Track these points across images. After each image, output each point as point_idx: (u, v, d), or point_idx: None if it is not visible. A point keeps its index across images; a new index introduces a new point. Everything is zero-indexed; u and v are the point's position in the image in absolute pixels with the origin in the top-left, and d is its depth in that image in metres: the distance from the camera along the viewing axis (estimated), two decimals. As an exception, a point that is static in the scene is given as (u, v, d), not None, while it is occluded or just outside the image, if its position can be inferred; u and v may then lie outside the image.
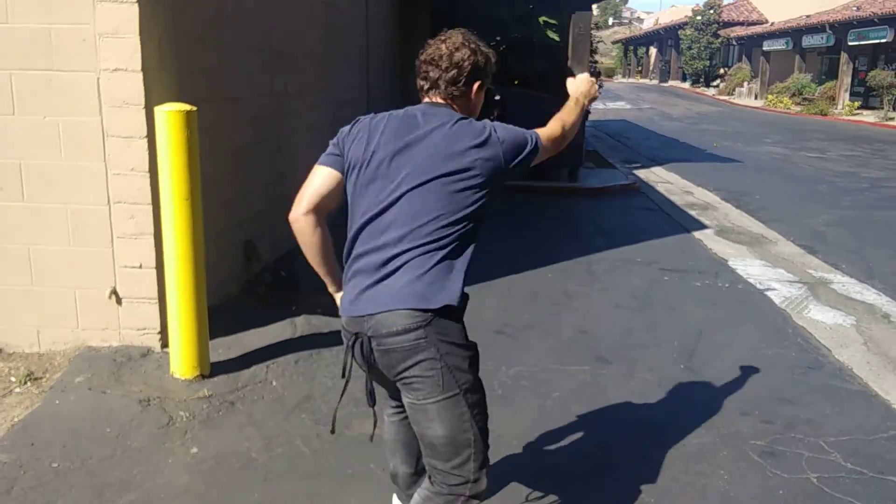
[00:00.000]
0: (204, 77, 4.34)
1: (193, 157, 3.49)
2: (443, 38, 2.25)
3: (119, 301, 3.92)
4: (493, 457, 3.21)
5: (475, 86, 2.26)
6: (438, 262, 2.07)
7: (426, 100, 2.26)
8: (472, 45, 2.23)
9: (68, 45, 3.65)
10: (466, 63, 2.20)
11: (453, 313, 2.10)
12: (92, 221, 3.83)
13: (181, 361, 3.70)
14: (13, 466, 2.99)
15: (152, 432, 3.29)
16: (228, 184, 4.66)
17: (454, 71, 2.20)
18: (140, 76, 3.65)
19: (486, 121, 2.23)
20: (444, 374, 2.08)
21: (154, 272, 3.86)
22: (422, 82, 2.25)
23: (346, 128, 2.29)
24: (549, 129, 2.36)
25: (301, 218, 2.22)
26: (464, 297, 2.12)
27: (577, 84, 2.55)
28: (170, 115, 3.43)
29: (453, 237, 2.09)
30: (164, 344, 3.92)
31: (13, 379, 3.74)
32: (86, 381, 3.63)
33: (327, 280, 2.37)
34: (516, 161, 2.20)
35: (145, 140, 3.71)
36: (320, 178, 2.23)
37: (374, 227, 2.12)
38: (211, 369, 3.79)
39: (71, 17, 3.62)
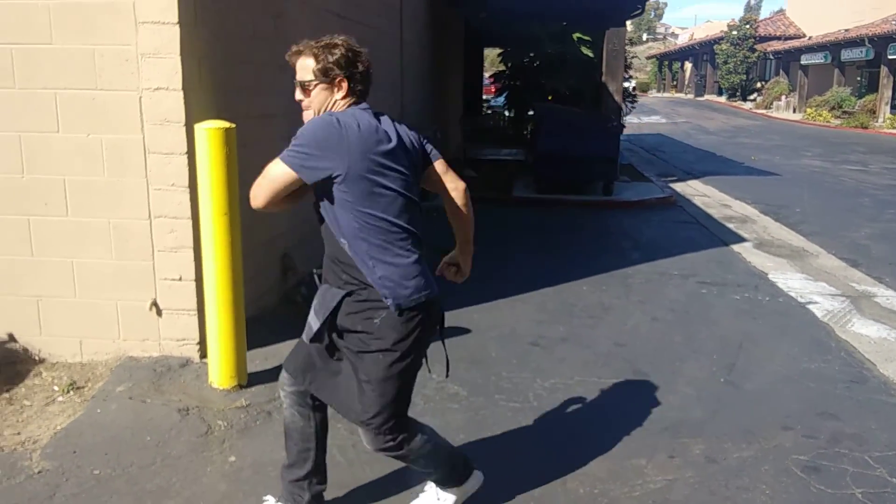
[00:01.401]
0: (241, 95, 4.43)
1: (232, 173, 3.56)
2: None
3: (159, 312, 4.00)
4: (528, 466, 3.21)
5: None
6: None
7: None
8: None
9: (111, 66, 3.76)
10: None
11: None
12: (133, 235, 3.92)
13: (219, 371, 3.76)
14: (56, 473, 3.06)
15: (191, 441, 3.33)
16: (266, 198, 4.71)
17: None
18: (181, 95, 3.75)
19: None
20: None
21: (193, 284, 3.93)
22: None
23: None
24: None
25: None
26: None
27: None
28: (209, 132, 3.50)
29: None
30: (203, 354, 3.98)
31: (56, 388, 3.83)
32: (127, 391, 3.70)
33: None
34: None
35: (185, 156, 3.80)
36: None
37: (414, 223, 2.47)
38: (248, 379, 3.84)
39: (114, 38, 3.73)
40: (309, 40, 2.45)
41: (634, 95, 18.35)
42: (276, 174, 2.32)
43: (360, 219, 2.33)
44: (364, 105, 2.46)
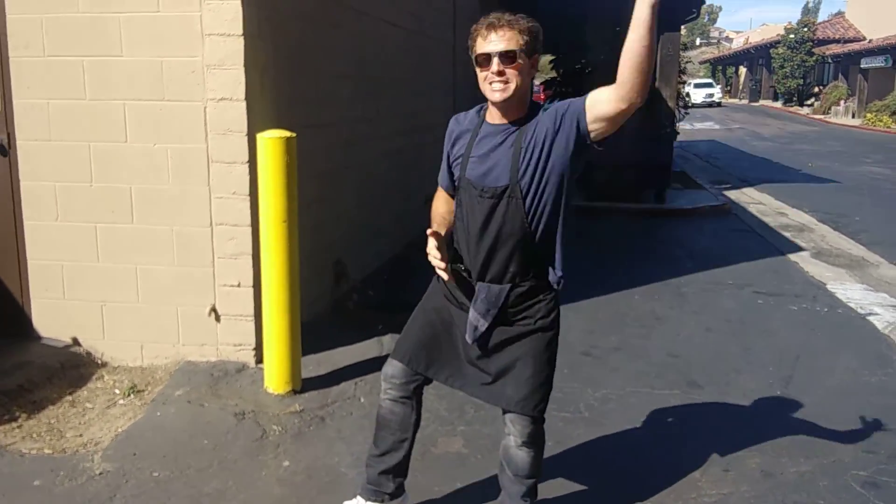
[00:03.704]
0: (301, 104, 4.52)
1: (292, 182, 3.64)
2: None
3: (218, 318, 4.10)
4: (580, 479, 3.20)
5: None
6: None
7: None
8: None
9: (178, 77, 3.88)
10: None
11: None
12: (195, 242, 4.03)
13: (275, 377, 3.83)
14: (117, 475, 3.15)
15: (247, 445, 3.41)
16: (320, 206, 4.81)
17: None
18: (243, 105, 3.84)
19: None
20: None
21: (251, 291, 4.02)
22: None
23: None
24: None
25: None
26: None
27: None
28: (271, 141, 3.58)
29: None
30: (259, 359, 4.06)
31: (117, 391, 3.95)
32: (185, 395, 3.80)
33: None
34: None
35: (247, 165, 3.89)
36: None
37: None
38: (302, 385, 3.91)
39: (181, 50, 3.85)
40: (504, 14, 2.35)
41: (688, 103, 18.04)
42: None
43: (567, 207, 2.43)
44: None
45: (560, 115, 2.34)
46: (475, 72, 2.37)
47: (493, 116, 2.43)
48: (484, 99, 2.44)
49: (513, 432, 2.56)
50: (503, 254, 2.43)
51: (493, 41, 2.31)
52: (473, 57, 2.37)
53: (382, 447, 2.71)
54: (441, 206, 2.66)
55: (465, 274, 2.51)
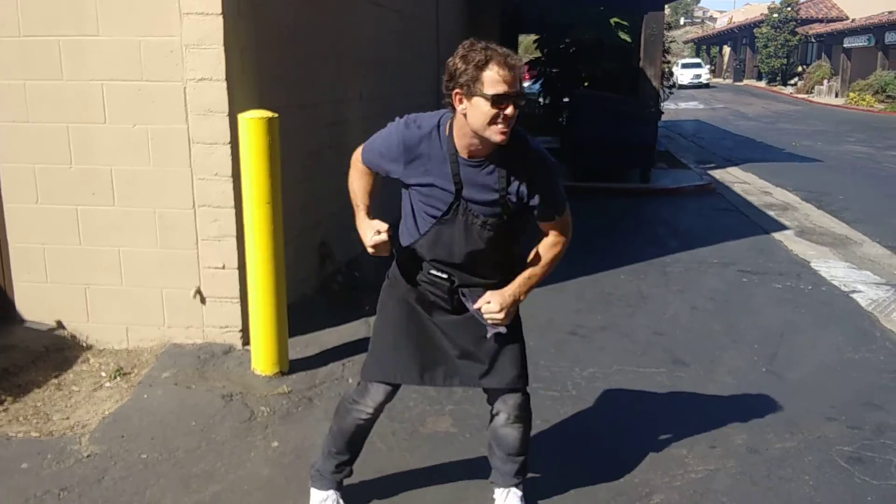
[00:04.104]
0: (283, 85, 4.47)
1: (274, 162, 3.60)
2: None
3: (203, 300, 4.07)
4: (568, 456, 3.22)
5: (454, 96, 2.21)
6: None
7: None
8: (459, 51, 2.19)
9: (156, 57, 3.81)
10: (449, 70, 2.20)
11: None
12: (178, 224, 3.99)
13: (262, 358, 3.82)
14: (104, 457, 3.14)
15: (235, 426, 3.40)
16: (304, 187, 4.78)
17: (444, 76, 2.22)
18: (224, 85, 3.79)
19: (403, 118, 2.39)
20: None
21: (236, 273, 4.00)
22: None
23: None
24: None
25: None
26: (403, 251, 2.52)
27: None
28: (252, 122, 3.54)
29: None
30: (246, 341, 4.04)
31: (104, 374, 3.92)
32: (172, 377, 3.78)
33: None
34: None
35: (228, 146, 3.85)
36: None
37: None
38: (289, 366, 3.90)
39: (159, 29, 3.78)
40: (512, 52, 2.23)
41: (672, 83, 18.02)
42: None
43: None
44: None
45: (535, 186, 2.35)
46: (465, 98, 2.18)
47: (469, 150, 2.30)
48: (438, 107, 2.38)
49: (506, 410, 2.61)
50: (486, 269, 2.47)
51: (511, 83, 2.15)
52: (483, 91, 2.13)
53: (351, 452, 2.75)
54: (364, 180, 2.57)
55: (445, 282, 2.47)
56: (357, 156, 2.57)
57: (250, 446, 3.25)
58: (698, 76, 43.79)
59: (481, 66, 2.13)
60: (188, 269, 4.04)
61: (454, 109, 2.23)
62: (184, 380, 3.76)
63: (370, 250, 2.44)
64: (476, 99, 2.15)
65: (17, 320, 4.23)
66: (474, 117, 2.18)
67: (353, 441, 2.73)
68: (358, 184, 2.58)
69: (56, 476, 2.99)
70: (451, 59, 2.21)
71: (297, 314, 4.20)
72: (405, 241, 2.51)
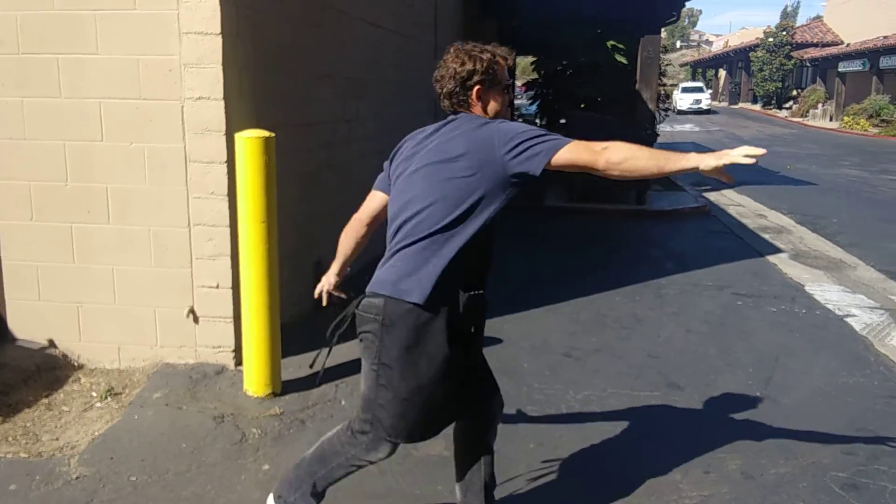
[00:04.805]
0: (280, 104, 4.49)
1: (271, 182, 3.61)
2: (444, 55, 2.43)
3: (196, 320, 4.05)
4: (563, 482, 3.19)
5: (474, 91, 2.38)
6: (418, 253, 2.26)
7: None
8: (462, 56, 2.38)
9: (155, 75, 3.83)
10: (458, 73, 2.36)
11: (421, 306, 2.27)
12: (172, 243, 3.98)
13: (254, 379, 3.79)
14: (93, 479, 3.10)
15: (226, 448, 3.37)
16: (300, 206, 4.78)
17: (450, 83, 2.38)
18: (222, 104, 3.80)
19: (499, 120, 2.38)
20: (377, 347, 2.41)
21: (230, 292, 3.98)
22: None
23: (398, 145, 2.54)
24: (597, 146, 2.23)
25: (354, 218, 2.80)
26: (434, 296, 2.24)
27: (710, 158, 2.38)
28: (249, 141, 3.55)
29: (439, 230, 2.24)
30: (238, 362, 4.02)
31: (94, 394, 3.89)
32: (163, 397, 3.75)
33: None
34: (516, 155, 2.21)
35: (225, 165, 3.85)
36: (369, 201, 2.70)
37: (390, 224, 2.42)
38: (282, 387, 3.88)
39: (158, 48, 3.80)
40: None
41: (668, 107, 18.13)
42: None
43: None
44: None
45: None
46: (498, 92, 2.42)
47: None
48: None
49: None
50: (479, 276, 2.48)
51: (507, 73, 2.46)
52: (504, 81, 2.43)
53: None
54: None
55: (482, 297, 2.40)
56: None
57: (241, 469, 3.22)
58: (698, 101, 41.31)
59: (494, 62, 2.39)
60: (182, 289, 4.02)
61: (469, 106, 2.39)
62: (175, 400, 3.73)
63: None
64: (494, 90, 2.40)
65: (8, 338, 4.20)
66: (493, 107, 2.40)
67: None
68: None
69: (44, 498, 2.96)
70: (453, 62, 2.38)
71: (290, 335, 4.17)
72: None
